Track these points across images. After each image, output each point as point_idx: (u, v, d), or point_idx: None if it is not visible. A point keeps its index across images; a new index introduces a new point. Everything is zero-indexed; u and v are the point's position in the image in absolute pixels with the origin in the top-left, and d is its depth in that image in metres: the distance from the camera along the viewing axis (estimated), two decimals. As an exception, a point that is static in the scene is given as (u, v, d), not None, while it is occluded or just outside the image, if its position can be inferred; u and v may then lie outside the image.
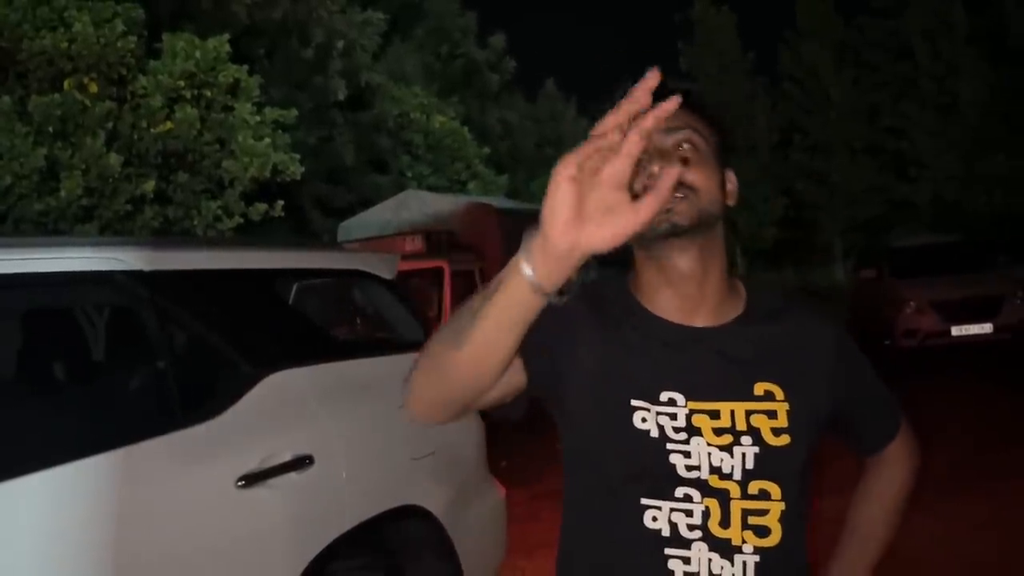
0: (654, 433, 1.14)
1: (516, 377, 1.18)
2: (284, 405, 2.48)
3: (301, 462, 2.41)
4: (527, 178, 25.49)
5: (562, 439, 1.26)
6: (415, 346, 3.33)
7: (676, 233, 1.12)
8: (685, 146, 1.14)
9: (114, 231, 7.73)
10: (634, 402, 1.16)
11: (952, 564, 3.98)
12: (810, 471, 1.22)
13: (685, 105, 1.14)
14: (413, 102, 19.49)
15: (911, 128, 22.62)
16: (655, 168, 1.09)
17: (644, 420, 1.15)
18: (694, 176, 1.12)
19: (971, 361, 9.62)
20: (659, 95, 1.14)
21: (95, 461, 1.99)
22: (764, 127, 26.28)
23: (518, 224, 11.38)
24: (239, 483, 2.23)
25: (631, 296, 1.24)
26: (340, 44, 16.12)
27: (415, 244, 8.22)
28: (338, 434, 2.62)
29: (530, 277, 0.90)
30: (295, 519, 2.39)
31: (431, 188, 16.95)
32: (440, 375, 1.06)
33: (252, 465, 2.28)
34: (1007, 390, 7.91)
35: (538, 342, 1.14)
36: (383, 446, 2.81)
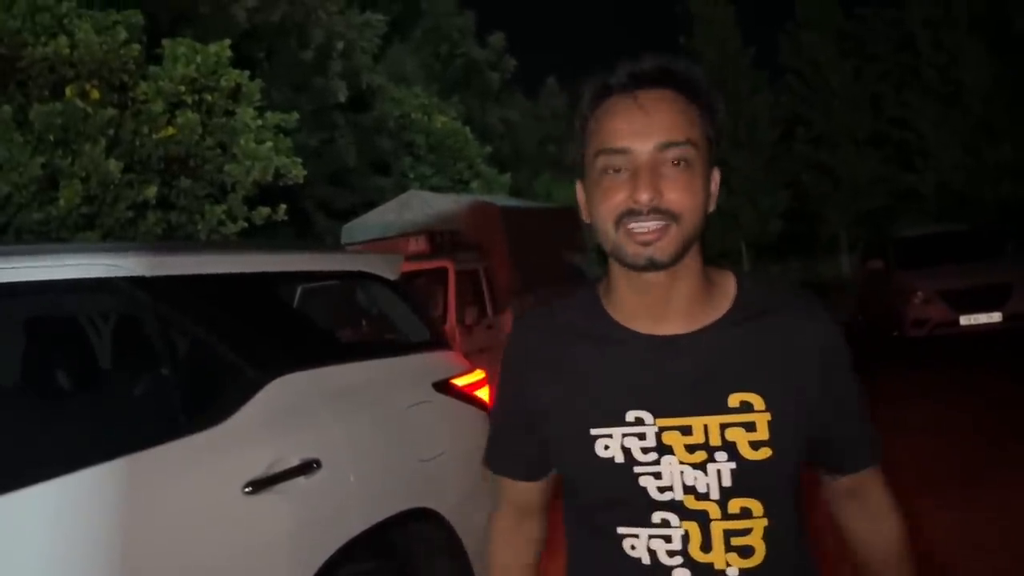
0: (619, 459, 1.11)
1: (540, 491, 1.31)
2: (290, 409, 2.46)
3: (308, 467, 2.38)
4: (530, 176, 25.45)
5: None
6: (421, 347, 3.31)
7: (655, 268, 1.08)
8: (680, 163, 1.06)
9: (116, 239, 7.71)
10: (594, 431, 1.12)
11: (964, 552, 3.94)
12: (798, 483, 1.16)
13: (687, 96, 1.09)
14: (414, 103, 19.48)
15: (915, 118, 22.55)
16: (643, 196, 1.03)
17: (607, 447, 1.11)
18: (681, 202, 1.05)
19: (981, 351, 9.56)
20: (657, 77, 1.08)
21: (100, 470, 1.96)
22: (767, 120, 26.21)
23: (522, 222, 11.34)
24: (246, 489, 2.20)
25: (600, 306, 1.19)
26: (340, 46, 16.10)
27: (419, 244, 8.19)
28: (345, 437, 2.59)
29: None
30: (303, 524, 2.36)
31: (433, 188, 16.94)
32: None
33: (259, 471, 2.25)
34: (1018, 379, 7.86)
35: (518, 451, 1.27)
36: (391, 448, 2.78)
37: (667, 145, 1.05)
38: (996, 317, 9.72)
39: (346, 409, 2.66)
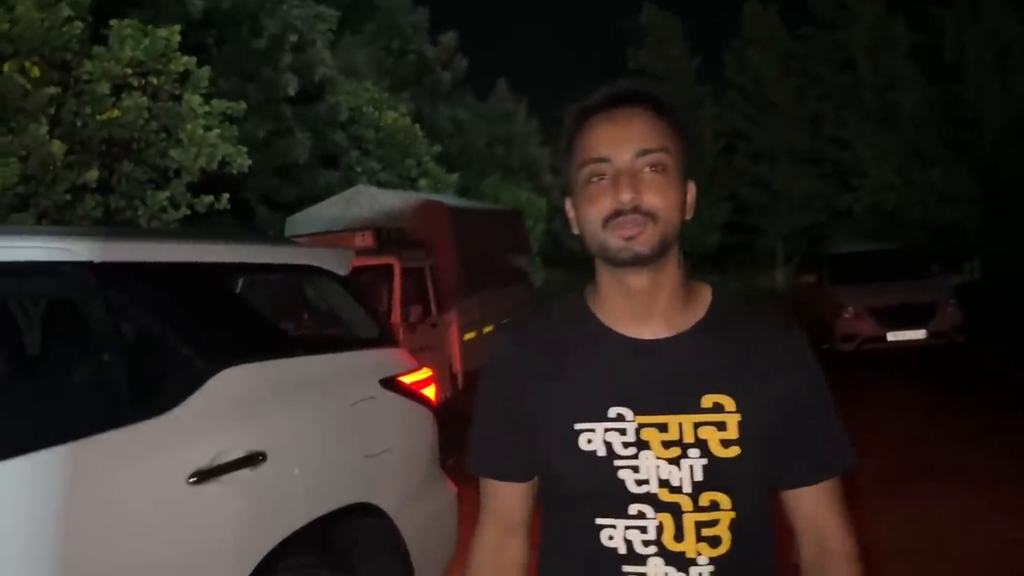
0: (601, 452, 1.18)
1: (525, 497, 1.30)
2: (237, 401, 2.45)
3: (254, 459, 2.38)
4: (477, 176, 25.45)
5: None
6: (369, 343, 3.32)
7: (638, 263, 1.17)
8: (657, 168, 1.16)
9: (53, 220, 7.50)
10: (577, 425, 1.19)
11: (884, 562, 4.09)
12: (767, 481, 1.22)
13: (659, 113, 1.19)
14: (365, 96, 19.30)
15: (852, 138, 23.24)
16: (624, 196, 1.14)
17: (590, 441, 1.18)
18: (658, 202, 1.15)
19: (906, 365, 9.94)
20: (630, 96, 1.20)
21: (41, 457, 1.94)
22: (710, 133, 26.71)
23: (469, 223, 11.33)
24: (191, 479, 2.20)
25: (586, 308, 1.27)
26: (293, 38, 15.88)
27: (365, 240, 8.14)
28: (291, 431, 2.60)
29: None
30: (247, 516, 2.36)
31: (381, 184, 16.81)
32: None
33: (204, 461, 2.25)
34: (938, 394, 8.21)
35: (504, 451, 1.29)
36: (337, 443, 2.79)
37: (644, 152, 1.16)
38: (921, 334, 10.14)
39: (293, 402, 2.66)
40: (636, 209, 1.14)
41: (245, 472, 2.35)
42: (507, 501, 1.31)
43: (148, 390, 2.29)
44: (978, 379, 8.81)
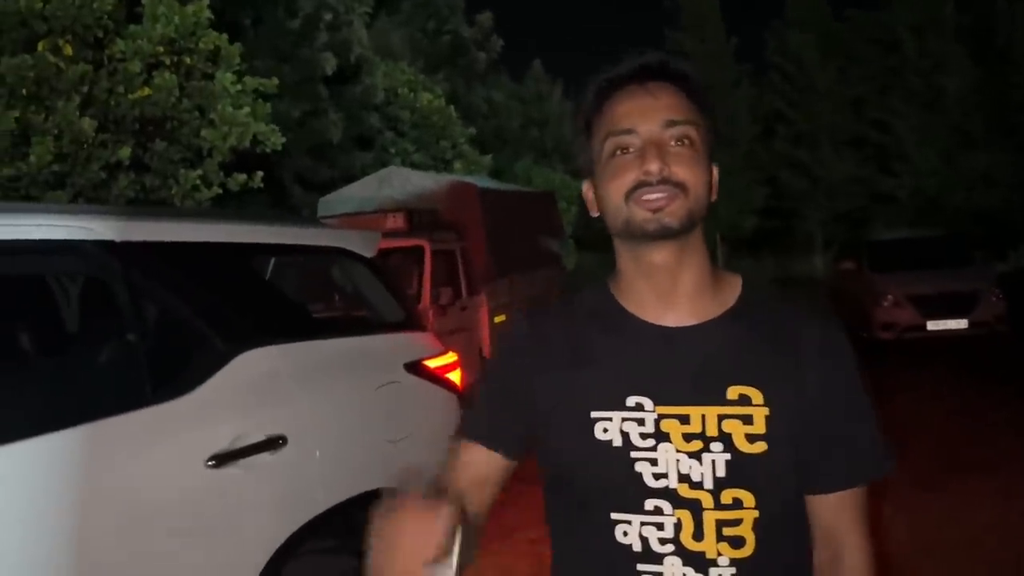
0: (617, 442, 1.11)
1: (496, 471, 1.22)
2: (258, 384, 2.42)
3: (274, 443, 2.35)
4: (511, 159, 25.34)
5: (539, 461, 1.23)
6: (395, 327, 3.27)
7: (665, 235, 1.11)
8: (684, 141, 1.11)
9: (88, 199, 7.56)
10: (594, 413, 1.13)
11: (915, 556, 4.00)
12: (797, 481, 1.13)
13: (686, 91, 1.14)
14: (401, 78, 19.29)
15: (895, 121, 22.73)
16: (651, 166, 1.08)
17: (606, 430, 1.12)
18: (687, 174, 1.10)
19: (946, 355, 9.72)
20: (657, 72, 1.14)
21: (61, 436, 1.93)
22: (748, 115, 26.30)
23: (501, 204, 11.25)
24: (209, 463, 2.17)
25: (609, 296, 1.22)
26: (328, 17, 15.86)
27: (396, 221, 8.11)
28: (313, 415, 2.56)
29: None
30: (266, 501, 2.34)
31: (415, 166, 16.81)
32: None
33: (223, 444, 2.22)
34: (979, 385, 8.01)
35: (499, 422, 1.22)
36: (359, 428, 2.76)
37: (672, 123, 1.10)
38: (962, 324, 9.89)
39: (315, 386, 2.62)
40: (665, 180, 1.08)
41: (265, 456, 2.32)
42: (481, 466, 1.21)
43: (167, 371, 2.27)
44: (1021, 371, 8.58)
